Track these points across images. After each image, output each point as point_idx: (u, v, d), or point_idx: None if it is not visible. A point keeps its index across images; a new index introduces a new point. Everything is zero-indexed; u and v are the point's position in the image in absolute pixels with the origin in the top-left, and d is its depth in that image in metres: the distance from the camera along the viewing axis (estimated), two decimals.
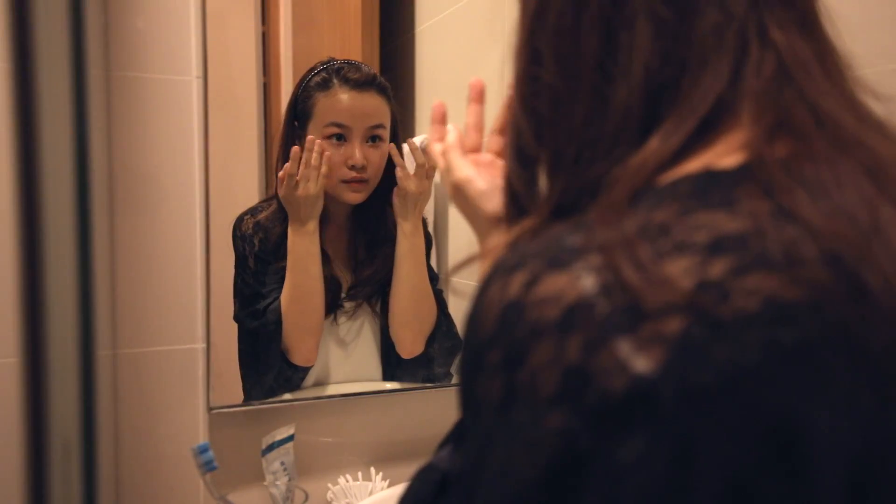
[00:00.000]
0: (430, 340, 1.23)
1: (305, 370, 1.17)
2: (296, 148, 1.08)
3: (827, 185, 0.34)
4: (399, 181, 1.15)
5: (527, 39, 0.45)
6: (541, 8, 0.44)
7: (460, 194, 0.63)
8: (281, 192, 1.09)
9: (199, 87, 1.05)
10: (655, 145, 0.38)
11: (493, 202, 0.59)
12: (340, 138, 1.12)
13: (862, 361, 0.31)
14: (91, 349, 0.51)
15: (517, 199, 0.46)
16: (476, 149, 0.68)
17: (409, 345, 1.21)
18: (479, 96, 0.69)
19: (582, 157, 0.42)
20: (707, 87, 0.39)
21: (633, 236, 0.33)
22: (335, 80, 1.12)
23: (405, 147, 1.17)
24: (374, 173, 1.15)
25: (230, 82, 1.08)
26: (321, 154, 1.08)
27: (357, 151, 1.12)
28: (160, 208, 1.05)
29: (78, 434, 0.51)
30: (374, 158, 1.14)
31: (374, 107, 1.14)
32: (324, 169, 1.08)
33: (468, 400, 0.36)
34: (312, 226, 1.11)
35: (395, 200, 1.16)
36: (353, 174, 1.12)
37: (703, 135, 0.39)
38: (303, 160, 1.08)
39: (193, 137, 1.05)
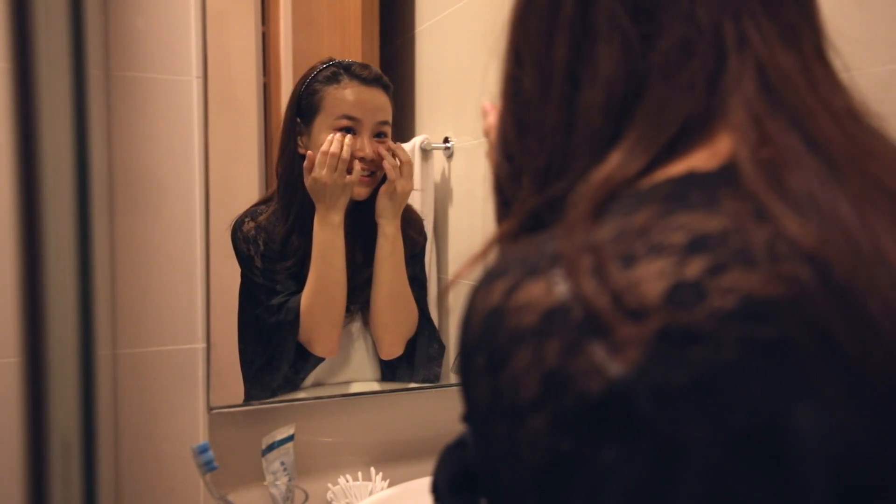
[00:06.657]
0: (416, 342, 1.23)
1: (311, 368, 1.17)
2: (325, 135, 1.10)
3: (814, 197, 0.33)
4: (390, 178, 1.14)
5: (511, 42, 0.46)
6: (525, 12, 0.45)
7: None
8: (307, 181, 1.10)
9: (199, 87, 1.05)
10: (617, 160, 0.38)
11: None
12: (349, 131, 1.12)
13: (842, 363, 0.30)
14: (91, 349, 0.51)
15: (504, 196, 0.47)
16: None
17: (388, 346, 1.22)
18: None
19: (551, 164, 0.42)
20: (677, 103, 0.39)
21: (603, 243, 0.33)
22: (345, 75, 1.12)
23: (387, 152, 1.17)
24: (378, 169, 1.15)
25: (230, 82, 1.08)
26: (342, 141, 1.09)
27: (367, 145, 1.12)
28: (160, 208, 1.05)
29: (78, 434, 0.51)
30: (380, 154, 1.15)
31: (382, 103, 1.15)
32: (345, 155, 1.09)
33: (465, 398, 0.37)
34: (338, 218, 1.11)
35: (382, 201, 1.15)
36: (362, 167, 1.13)
37: (678, 147, 0.39)
38: (323, 149, 1.09)
39: (193, 137, 1.05)
